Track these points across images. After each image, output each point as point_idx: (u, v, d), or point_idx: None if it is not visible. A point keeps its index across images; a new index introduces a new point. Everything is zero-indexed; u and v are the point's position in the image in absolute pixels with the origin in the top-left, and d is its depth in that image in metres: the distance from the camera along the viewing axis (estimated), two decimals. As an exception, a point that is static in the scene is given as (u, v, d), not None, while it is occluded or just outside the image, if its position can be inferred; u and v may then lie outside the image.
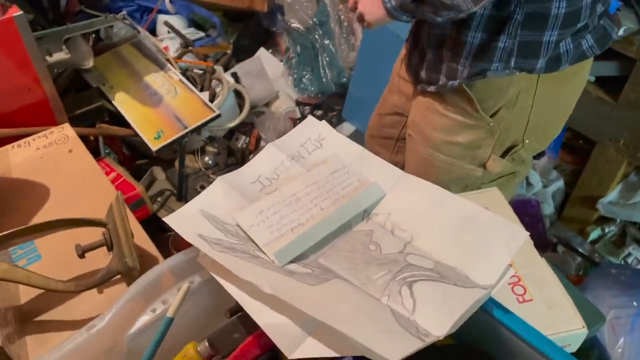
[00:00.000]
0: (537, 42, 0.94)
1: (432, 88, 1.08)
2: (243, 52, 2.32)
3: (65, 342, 0.59)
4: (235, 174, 0.66)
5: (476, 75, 1.00)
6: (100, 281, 0.90)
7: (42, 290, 0.89)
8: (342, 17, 2.17)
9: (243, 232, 0.59)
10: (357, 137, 2.08)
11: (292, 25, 2.30)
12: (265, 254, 0.57)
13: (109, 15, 1.49)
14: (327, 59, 2.25)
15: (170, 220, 0.59)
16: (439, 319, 0.51)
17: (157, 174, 1.52)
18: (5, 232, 0.86)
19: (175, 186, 1.51)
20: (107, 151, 1.59)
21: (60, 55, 1.34)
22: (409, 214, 0.63)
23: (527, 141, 1.11)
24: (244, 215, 0.60)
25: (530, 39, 0.94)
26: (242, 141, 1.86)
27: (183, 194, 1.48)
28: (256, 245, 0.58)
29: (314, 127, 0.76)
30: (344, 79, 2.24)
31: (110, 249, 0.93)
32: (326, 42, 2.25)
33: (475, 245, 0.58)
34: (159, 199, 1.45)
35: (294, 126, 2.13)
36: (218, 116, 1.50)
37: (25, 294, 0.90)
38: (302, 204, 0.61)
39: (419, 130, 1.17)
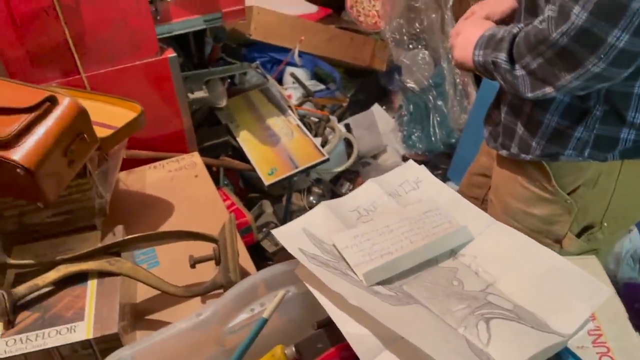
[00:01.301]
0: (615, 137, 0.92)
1: (504, 152, 1.07)
2: (358, 106, 2.46)
3: (175, 324, 0.68)
4: (336, 201, 0.74)
5: (548, 156, 0.98)
6: (206, 291, 1.01)
7: (155, 292, 1.01)
8: (458, 80, 2.23)
9: (337, 252, 0.66)
10: (460, 196, 2.09)
11: (408, 85, 2.40)
12: (355, 274, 0.63)
13: (245, 64, 1.69)
14: (439, 119, 2.31)
15: (277, 233, 0.67)
16: (512, 355, 0.53)
17: (266, 207, 1.65)
18: (134, 235, 1.01)
19: (280, 220, 1.63)
20: (226, 182, 1.76)
21: (200, 94, 1.54)
22: (495, 259, 0.66)
23: (605, 224, 1.06)
24: (340, 238, 0.67)
25: (608, 134, 0.92)
26: (345, 187, 1.95)
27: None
28: (348, 264, 0.64)
29: (412, 170, 0.82)
30: (453, 140, 2.28)
31: (217, 263, 1.04)
32: (439, 103, 2.32)
33: (557, 295, 0.59)
34: (264, 229, 1.57)
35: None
36: (327, 160, 1.61)
37: (141, 294, 1.03)
38: (394, 235, 0.67)
39: (499, 195, 1.17)
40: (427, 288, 0.63)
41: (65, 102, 0.93)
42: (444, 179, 2.28)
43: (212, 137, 1.62)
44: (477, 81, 2.24)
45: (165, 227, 1.23)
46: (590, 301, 0.58)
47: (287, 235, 0.67)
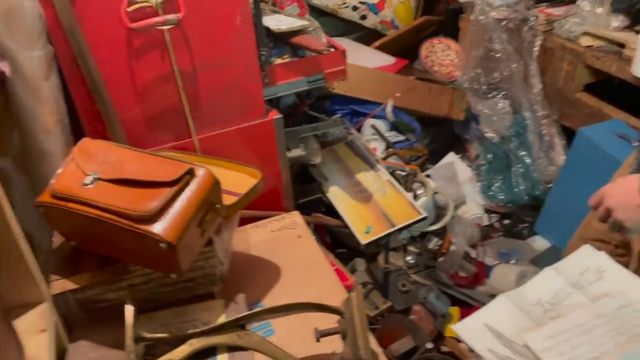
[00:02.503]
0: None
1: None
2: (433, 154, 2.42)
3: None
4: (515, 293, 0.70)
5: None
6: (334, 367, 0.97)
7: (275, 364, 0.98)
8: (544, 131, 2.18)
9: (532, 354, 0.62)
10: (553, 252, 2.00)
11: (487, 134, 2.36)
12: None
13: (337, 119, 1.68)
14: (522, 169, 2.25)
15: (459, 329, 0.64)
16: None
17: (358, 265, 1.62)
18: (262, 309, 0.99)
19: (375, 279, 1.59)
20: (315, 237, 1.73)
21: (297, 152, 1.54)
22: None
23: None
24: (534, 338, 0.63)
25: None
26: (433, 243, 1.90)
27: (385, 290, 1.54)
28: (548, 370, 0.60)
29: (593, 258, 0.77)
30: (538, 192, 2.21)
31: (344, 337, 1.01)
32: (522, 152, 2.25)
33: None
34: (357, 285, 1.53)
35: (481, 233, 2.14)
36: (425, 218, 1.57)
37: (261, 365, 1.00)
38: (594, 337, 0.62)
39: None
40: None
41: (201, 174, 0.94)
42: (530, 232, 2.19)
43: (306, 194, 1.61)
44: (565, 132, 2.17)
45: (275, 291, 1.21)
46: None
47: (471, 332, 0.63)
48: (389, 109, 1.84)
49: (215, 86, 1.27)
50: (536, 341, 0.62)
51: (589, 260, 0.76)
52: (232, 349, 0.95)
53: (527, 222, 2.21)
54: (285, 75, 1.40)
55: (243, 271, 1.26)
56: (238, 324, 0.97)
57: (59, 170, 0.95)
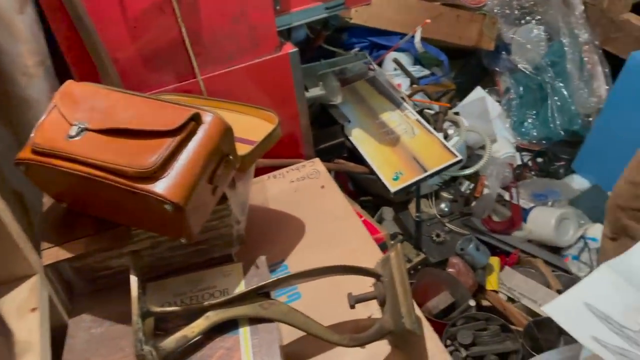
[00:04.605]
0: None
1: None
2: (458, 90, 2.22)
3: None
4: (620, 260, 0.55)
5: None
6: (374, 339, 0.85)
7: (302, 333, 0.86)
8: (585, 59, 1.96)
9: (653, 344, 0.48)
10: (595, 192, 1.84)
11: (519, 64, 2.15)
12: None
13: (359, 53, 1.50)
14: (558, 102, 2.05)
15: (552, 310, 0.49)
16: None
17: (386, 214, 1.48)
18: (288, 274, 0.85)
19: (404, 230, 1.45)
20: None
21: (316, 91, 1.37)
22: None
23: None
24: None
25: None
26: (465, 187, 1.74)
27: (418, 242, 1.41)
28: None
29: None
30: (577, 127, 2.02)
31: (382, 304, 0.88)
32: (559, 84, 2.05)
33: None
34: (391, 242, 1.39)
35: (514, 174, 1.98)
36: (460, 161, 1.41)
37: (287, 335, 0.88)
38: None
39: None
40: None
41: (208, 120, 0.78)
42: (567, 171, 2.03)
43: (327, 138, 1.45)
44: (609, 59, 1.96)
45: (299, 250, 1.08)
46: None
47: (568, 314, 0.49)
48: (417, 39, 1.64)
49: (220, 15, 1.09)
50: (660, 327, 0.48)
51: None
52: (254, 320, 0.82)
53: (563, 159, 2.04)
54: (300, 0, 1.21)
55: (262, 229, 1.12)
56: (260, 292, 0.83)
57: (40, 120, 0.80)
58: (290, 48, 1.22)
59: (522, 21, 2.14)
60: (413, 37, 1.65)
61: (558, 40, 2.07)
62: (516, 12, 2.14)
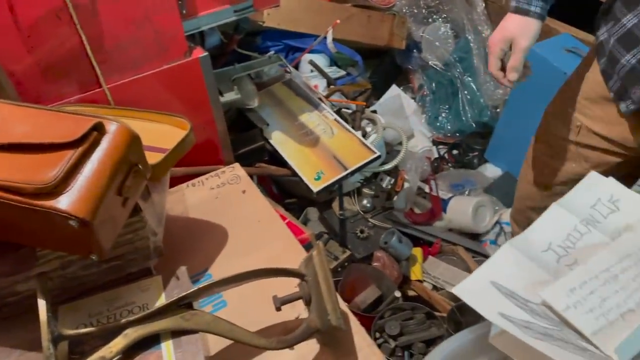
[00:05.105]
0: None
1: None
2: (375, 89, 2.28)
3: None
4: (521, 238, 0.57)
5: None
6: (301, 339, 0.84)
7: (230, 342, 0.84)
8: (489, 53, 2.06)
9: (553, 314, 0.50)
10: (506, 179, 1.94)
11: (430, 62, 2.23)
12: (596, 347, 0.48)
13: (273, 55, 1.49)
14: (468, 96, 2.15)
15: (460, 292, 0.51)
16: None
17: (311, 214, 1.48)
18: (210, 282, 0.83)
19: (330, 229, 1.46)
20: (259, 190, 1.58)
21: (231, 95, 1.35)
22: None
23: None
24: (553, 294, 0.51)
25: None
26: (386, 182, 1.78)
27: (344, 239, 1.42)
28: (579, 333, 0.48)
29: (601, 186, 0.65)
30: (486, 118, 2.13)
31: (307, 303, 0.88)
32: (467, 78, 2.15)
33: None
34: (317, 241, 1.40)
35: (432, 167, 2.05)
36: (378, 157, 1.44)
37: (214, 345, 0.86)
38: (623, 284, 0.51)
39: None
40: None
41: (113, 129, 0.74)
42: (481, 160, 2.13)
43: (246, 143, 1.43)
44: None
45: (223, 257, 1.06)
46: None
47: (476, 294, 0.51)
48: (329, 40, 1.66)
49: (122, 21, 1.05)
50: (557, 297, 0.51)
51: (599, 190, 0.65)
52: (177, 333, 0.79)
53: (476, 150, 2.14)
54: (207, 3, 1.19)
55: (182, 239, 1.09)
56: (182, 304, 0.81)
57: None
58: (200, 53, 1.19)
59: (430, 20, 2.23)
60: (325, 38, 1.67)
61: (464, 37, 2.17)
62: (423, 11, 2.22)
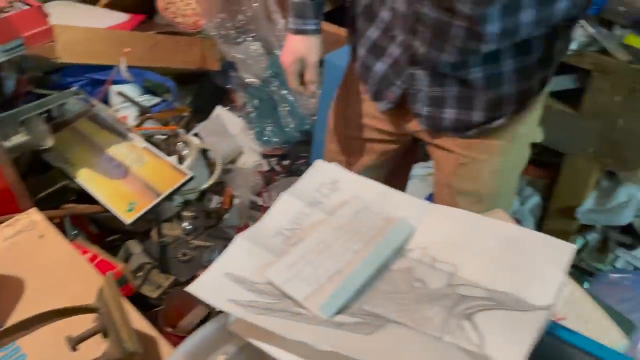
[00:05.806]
0: None
1: None
2: (201, 112, 2.29)
3: None
4: (254, 229, 0.61)
5: None
6: (101, 373, 0.81)
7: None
8: (298, 66, 2.18)
9: (277, 290, 0.54)
10: (330, 181, 2.05)
11: (247, 80, 2.29)
12: (307, 309, 0.52)
13: (65, 92, 1.43)
14: (288, 108, 2.24)
15: (194, 289, 0.53)
16: (513, 348, 0.46)
17: (133, 247, 1.43)
18: (-8, 334, 0.77)
19: (155, 258, 1.43)
20: (75, 232, 1.49)
21: (18, 138, 1.26)
22: (446, 245, 0.59)
23: None
24: (275, 272, 0.55)
25: None
26: (215, 201, 1.79)
27: (166, 266, 1.40)
28: (295, 301, 0.52)
29: (325, 171, 0.72)
30: (307, 126, 2.23)
31: (105, 335, 0.85)
32: (283, 92, 2.24)
33: (524, 267, 0.55)
34: (139, 274, 1.35)
35: (263, 180, 2.11)
36: (192, 178, 1.44)
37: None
38: (334, 251, 0.56)
39: None
40: (391, 300, 0.54)
41: None
42: (308, 166, 2.22)
43: (46, 186, 1.34)
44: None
45: (20, 312, 0.98)
46: (558, 262, 0.54)
47: (208, 287, 0.53)
48: (123, 69, 1.63)
49: None
50: (278, 274, 0.55)
51: (322, 175, 0.72)
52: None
53: (303, 157, 2.23)
54: (-34, 45, 1.11)
55: (-27, 300, 0.99)
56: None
57: None
58: (-32, 98, 1.11)
59: (240, 39, 2.29)
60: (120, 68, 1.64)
61: (274, 53, 2.27)
62: (232, 32, 2.27)
